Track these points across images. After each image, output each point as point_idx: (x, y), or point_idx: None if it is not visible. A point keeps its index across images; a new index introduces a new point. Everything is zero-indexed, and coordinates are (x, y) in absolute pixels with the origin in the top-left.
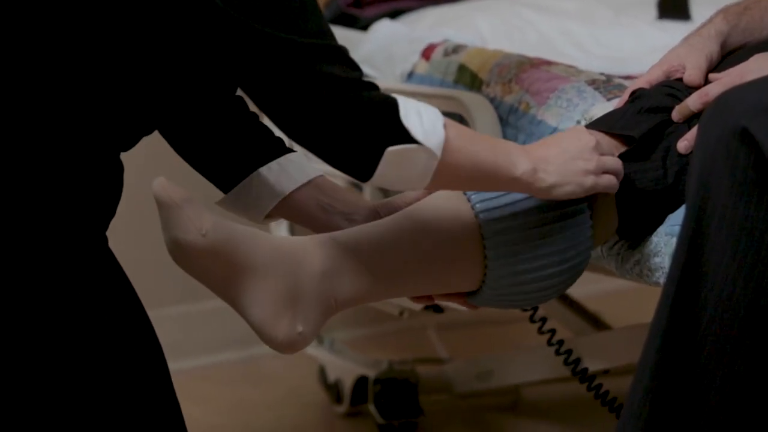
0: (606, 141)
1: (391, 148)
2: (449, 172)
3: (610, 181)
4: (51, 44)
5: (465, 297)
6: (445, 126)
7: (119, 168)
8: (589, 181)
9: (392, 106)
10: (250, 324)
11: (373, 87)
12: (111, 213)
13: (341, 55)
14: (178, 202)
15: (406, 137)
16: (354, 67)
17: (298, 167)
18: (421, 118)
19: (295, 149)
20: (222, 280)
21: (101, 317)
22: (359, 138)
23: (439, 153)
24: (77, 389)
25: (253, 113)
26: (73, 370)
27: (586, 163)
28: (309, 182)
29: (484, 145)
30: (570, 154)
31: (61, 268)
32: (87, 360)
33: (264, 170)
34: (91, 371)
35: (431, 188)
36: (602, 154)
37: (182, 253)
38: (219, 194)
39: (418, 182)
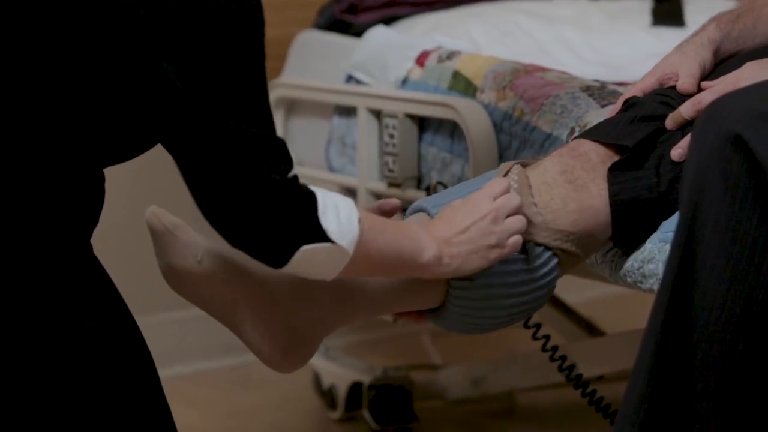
0: (599, 151)
1: (305, 247)
2: (359, 264)
3: (513, 245)
4: (32, 69)
5: (425, 315)
6: (359, 222)
7: (100, 178)
8: (494, 254)
9: (311, 203)
10: (247, 345)
11: (295, 181)
12: (94, 221)
13: (279, 148)
14: (171, 229)
15: (321, 237)
16: (287, 161)
17: None
18: (339, 215)
19: None
20: (218, 304)
21: (86, 323)
22: (276, 233)
23: (351, 250)
24: (64, 396)
25: (281, 141)
26: (59, 376)
27: (489, 239)
28: None
29: (393, 234)
30: (472, 232)
31: (45, 276)
32: (73, 364)
33: None
34: (77, 376)
35: (342, 275)
36: (507, 215)
37: (178, 280)
38: None
39: (327, 275)
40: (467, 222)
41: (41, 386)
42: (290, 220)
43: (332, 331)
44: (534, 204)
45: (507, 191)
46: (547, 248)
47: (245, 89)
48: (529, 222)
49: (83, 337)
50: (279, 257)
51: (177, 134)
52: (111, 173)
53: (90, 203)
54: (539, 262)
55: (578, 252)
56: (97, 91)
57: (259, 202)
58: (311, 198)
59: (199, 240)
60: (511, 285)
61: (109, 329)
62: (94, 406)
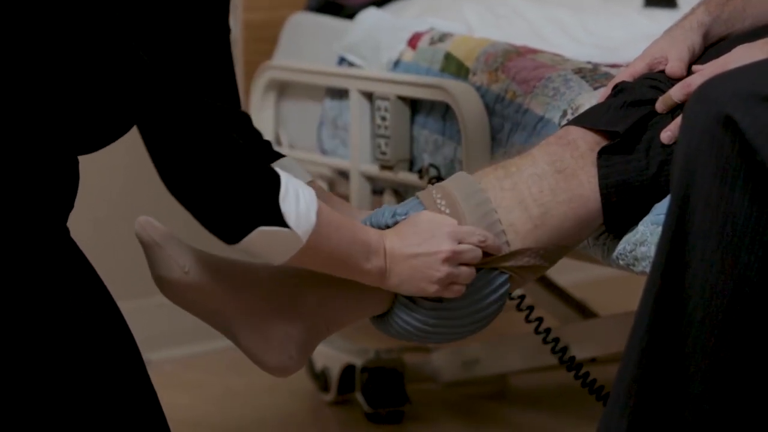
0: (587, 138)
1: (262, 228)
2: (308, 255)
3: (453, 292)
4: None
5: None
6: (317, 213)
7: (75, 162)
8: (431, 289)
9: (275, 184)
10: (243, 351)
11: (263, 160)
12: (69, 205)
13: (244, 123)
14: (158, 241)
15: (279, 221)
16: (255, 135)
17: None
18: (298, 202)
19: (284, 154)
20: (210, 311)
21: (63, 305)
22: (235, 210)
23: (305, 239)
24: (43, 382)
25: (247, 116)
26: (37, 361)
27: (432, 274)
28: None
29: (346, 234)
30: (421, 261)
31: (19, 259)
32: (52, 346)
33: None
34: (56, 359)
35: (289, 263)
36: (461, 263)
37: (168, 290)
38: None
39: (277, 259)
40: (420, 249)
41: (18, 373)
42: (252, 198)
43: (327, 336)
44: (498, 221)
45: (474, 243)
46: (503, 272)
47: (211, 63)
48: (488, 252)
49: (61, 320)
50: (234, 233)
51: (141, 103)
52: (93, 157)
53: (64, 187)
54: (490, 288)
55: (544, 264)
56: (65, 69)
57: (224, 173)
58: (275, 179)
59: (186, 250)
60: (456, 309)
61: (86, 311)
62: (73, 391)
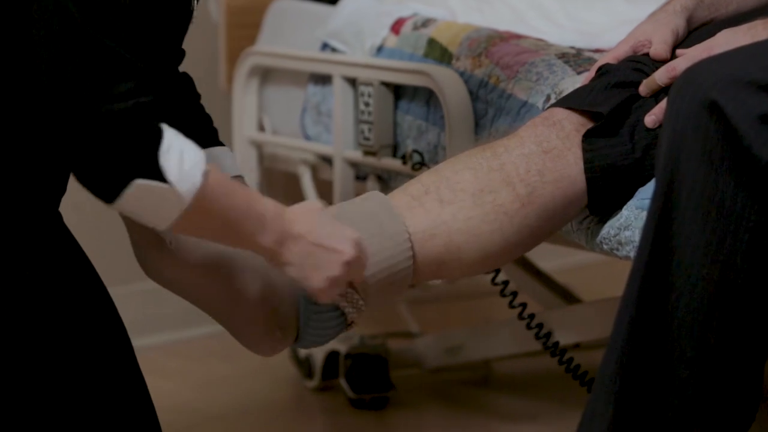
0: (572, 119)
1: (138, 182)
2: (195, 220)
3: (328, 297)
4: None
5: None
6: (204, 174)
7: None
8: (319, 283)
9: (155, 138)
10: (228, 330)
11: (147, 112)
12: (61, 189)
13: (131, 69)
14: None
15: (158, 175)
16: (141, 90)
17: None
18: (183, 159)
19: (224, 144)
20: (194, 288)
21: (57, 292)
22: (110, 160)
23: (188, 199)
24: (34, 367)
25: (197, 95)
26: (28, 346)
27: (331, 270)
28: None
29: (239, 203)
30: (324, 254)
31: (11, 243)
32: (43, 332)
33: None
34: (48, 345)
35: (176, 231)
36: (351, 275)
37: (152, 268)
38: None
39: (161, 221)
40: (327, 243)
41: (9, 357)
42: (126, 150)
43: None
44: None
45: (361, 261)
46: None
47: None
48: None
49: (53, 306)
50: (110, 189)
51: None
52: None
53: (57, 171)
54: (324, 318)
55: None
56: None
57: (100, 125)
58: (155, 133)
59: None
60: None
61: (79, 297)
62: (64, 377)
